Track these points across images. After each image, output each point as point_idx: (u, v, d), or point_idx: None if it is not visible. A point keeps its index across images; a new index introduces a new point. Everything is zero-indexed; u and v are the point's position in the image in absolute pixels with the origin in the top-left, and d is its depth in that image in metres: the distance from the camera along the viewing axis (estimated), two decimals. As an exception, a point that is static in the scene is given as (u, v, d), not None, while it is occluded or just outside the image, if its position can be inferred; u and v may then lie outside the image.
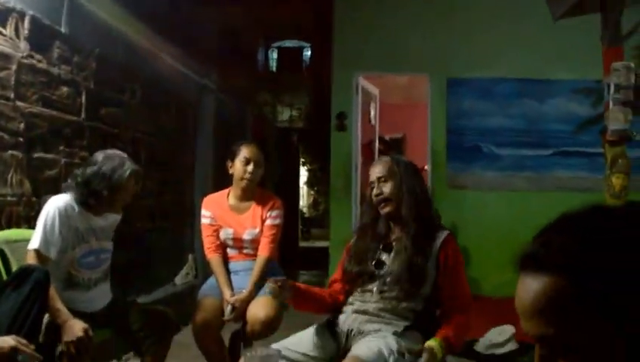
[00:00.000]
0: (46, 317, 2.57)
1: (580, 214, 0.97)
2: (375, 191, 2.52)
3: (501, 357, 3.40)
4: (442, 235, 2.50)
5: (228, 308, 3.17)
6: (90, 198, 2.78)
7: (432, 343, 2.31)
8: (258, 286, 3.25)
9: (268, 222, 3.36)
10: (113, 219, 3.01)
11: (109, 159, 2.82)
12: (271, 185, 7.69)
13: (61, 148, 3.78)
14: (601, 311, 0.88)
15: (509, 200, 6.65)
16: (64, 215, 2.70)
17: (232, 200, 3.44)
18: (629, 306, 0.87)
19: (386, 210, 2.52)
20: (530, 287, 0.94)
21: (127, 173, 2.80)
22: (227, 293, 3.22)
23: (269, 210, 3.38)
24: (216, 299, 3.25)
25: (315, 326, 2.53)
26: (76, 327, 2.51)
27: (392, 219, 2.54)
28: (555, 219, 0.98)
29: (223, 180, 3.70)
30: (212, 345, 3.19)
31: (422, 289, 2.44)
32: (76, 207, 2.77)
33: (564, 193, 6.56)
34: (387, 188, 2.50)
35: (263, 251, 3.33)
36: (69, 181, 2.87)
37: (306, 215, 16.20)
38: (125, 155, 2.90)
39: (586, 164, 6.65)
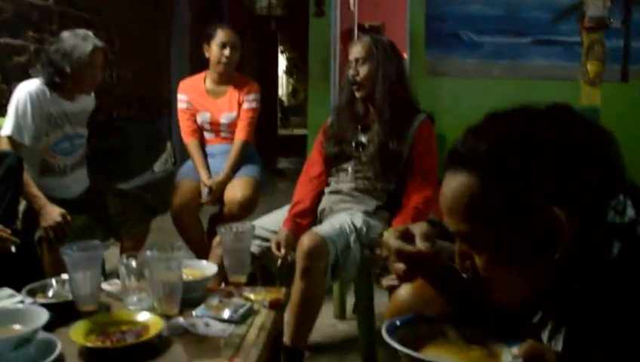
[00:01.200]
0: (24, 203, 2.60)
1: (500, 116, 0.99)
2: (352, 72, 2.52)
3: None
4: (420, 118, 2.52)
5: (205, 191, 3.23)
6: (56, 77, 2.70)
7: (388, 234, 2.38)
8: (235, 168, 3.29)
9: (245, 105, 3.36)
10: (86, 103, 2.95)
11: (73, 36, 2.74)
12: (249, 74, 7.58)
13: (30, 33, 3.67)
14: (509, 209, 0.91)
15: (487, 87, 6.63)
16: (36, 100, 2.66)
17: (208, 84, 3.42)
18: (533, 205, 0.90)
19: (359, 94, 2.53)
20: (449, 185, 0.98)
21: (89, 48, 2.71)
22: (204, 175, 3.26)
23: (246, 94, 3.37)
24: (193, 182, 3.29)
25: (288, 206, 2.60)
26: (54, 213, 2.54)
27: (367, 101, 2.55)
28: (481, 119, 1.00)
29: (199, 67, 3.66)
30: (190, 228, 3.26)
31: (396, 171, 2.49)
32: (48, 93, 2.72)
33: (541, 81, 6.57)
34: (363, 71, 2.49)
35: (240, 134, 3.35)
36: (38, 65, 2.80)
37: (285, 103, 16.13)
38: (90, 33, 2.80)
39: (563, 53, 6.61)
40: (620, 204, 0.93)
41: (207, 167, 3.33)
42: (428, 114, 2.58)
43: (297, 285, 2.24)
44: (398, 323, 1.06)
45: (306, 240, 2.22)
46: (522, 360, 0.88)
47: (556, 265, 0.92)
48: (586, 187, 0.91)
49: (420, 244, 1.12)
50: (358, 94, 2.53)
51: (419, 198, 2.45)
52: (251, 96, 3.38)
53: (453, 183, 0.96)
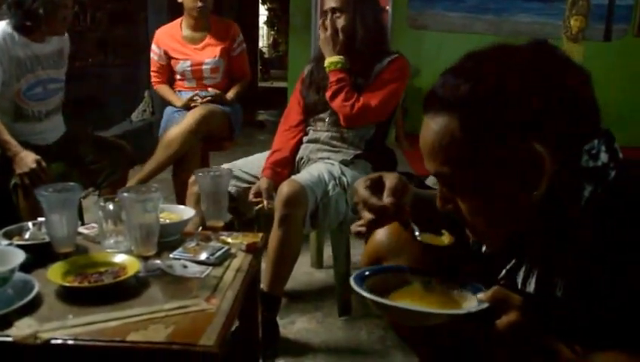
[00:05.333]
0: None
1: (479, 55, 0.97)
2: (327, 24, 2.45)
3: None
4: (390, 57, 2.48)
5: (202, 93, 3.31)
6: (27, 20, 2.61)
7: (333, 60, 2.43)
8: (237, 97, 3.45)
9: (235, 52, 3.42)
10: (58, 44, 2.86)
11: None
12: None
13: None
14: (491, 148, 0.91)
15: (469, 42, 6.49)
16: (3, 45, 2.58)
17: (185, 32, 3.39)
18: (514, 142, 0.90)
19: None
20: (428, 128, 0.97)
21: None
22: (180, 101, 3.34)
23: (230, 41, 3.38)
24: None
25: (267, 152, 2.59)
26: (28, 159, 2.51)
27: (345, 52, 2.48)
28: (458, 58, 0.98)
29: (178, 11, 3.59)
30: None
31: None
32: (16, 36, 2.64)
33: (524, 38, 6.54)
34: (340, 23, 2.43)
35: (246, 75, 3.51)
36: (3, 7, 2.68)
37: (266, 55, 15.93)
38: None
39: (546, 9, 6.59)
40: (595, 148, 0.94)
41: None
42: (400, 54, 2.53)
43: (275, 233, 2.26)
44: (367, 272, 1.08)
45: (284, 188, 2.23)
46: (488, 304, 0.90)
47: (537, 202, 0.93)
48: (565, 123, 0.91)
49: (386, 199, 1.11)
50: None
51: (356, 100, 2.42)
52: (237, 42, 3.43)
53: (434, 126, 0.95)
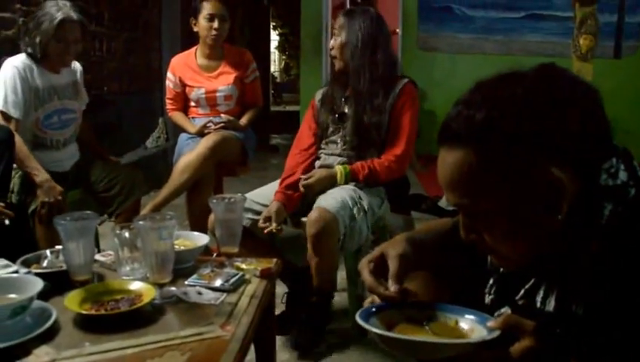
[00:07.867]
0: (18, 176, 2.59)
1: (489, 84, 0.97)
2: (330, 46, 2.59)
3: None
4: (400, 85, 2.51)
5: (217, 119, 3.33)
6: (29, 48, 2.68)
7: (339, 166, 2.47)
8: (249, 124, 3.47)
9: (249, 79, 3.46)
10: (72, 75, 2.92)
11: (49, 7, 2.68)
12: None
13: (17, 6, 3.62)
14: (509, 177, 0.91)
15: (479, 63, 6.65)
16: (23, 75, 2.65)
17: (200, 60, 3.43)
18: (532, 169, 0.90)
19: (336, 66, 2.57)
20: (445, 161, 0.97)
21: (57, 20, 2.64)
22: (194, 127, 3.37)
23: (244, 69, 3.42)
24: None
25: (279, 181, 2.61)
26: (55, 191, 2.56)
27: (345, 74, 2.54)
28: (468, 89, 0.98)
29: (191, 40, 3.65)
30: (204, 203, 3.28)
31: (377, 142, 2.50)
32: (34, 67, 2.70)
33: (533, 57, 6.57)
34: (336, 44, 2.53)
35: (258, 101, 3.54)
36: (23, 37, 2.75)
37: (278, 80, 16.08)
38: (68, 4, 2.73)
39: (556, 28, 6.60)
40: (613, 167, 0.94)
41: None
42: (410, 79, 2.57)
43: (312, 260, 2.35)
44: (373, 309, 1.08)
45: (316, 217, 2.26)
46: (500, 332, 0.89)
47: (560, 226, 0.92)
48: (581, 144, 0.91)
49: (392, 287, 1.10)
50: (336, 66, 2.58)
51: (388, 155, 2.49)
52: (250, 69, 3.46)
53: (451, 159, 0.95)
